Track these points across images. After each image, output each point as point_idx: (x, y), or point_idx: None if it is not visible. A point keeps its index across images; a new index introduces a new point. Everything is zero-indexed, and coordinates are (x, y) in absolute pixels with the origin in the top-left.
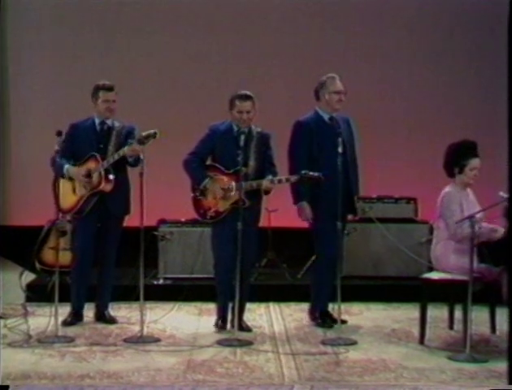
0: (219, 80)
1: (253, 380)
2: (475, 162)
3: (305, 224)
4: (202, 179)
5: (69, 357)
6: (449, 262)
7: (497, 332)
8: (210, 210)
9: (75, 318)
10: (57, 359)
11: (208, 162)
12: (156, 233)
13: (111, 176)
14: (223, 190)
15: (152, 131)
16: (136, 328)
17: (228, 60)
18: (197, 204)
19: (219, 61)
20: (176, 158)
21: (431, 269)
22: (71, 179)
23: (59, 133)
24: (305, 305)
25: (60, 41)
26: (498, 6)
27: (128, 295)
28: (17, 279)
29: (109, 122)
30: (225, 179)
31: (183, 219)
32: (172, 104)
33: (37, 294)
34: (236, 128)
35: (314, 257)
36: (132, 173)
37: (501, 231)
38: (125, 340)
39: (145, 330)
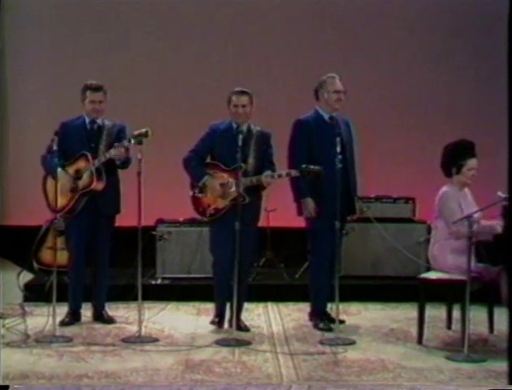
0: (219, 80)
1: (252, 380)
2: (472, 162)
3: (303, 224)
4: (201, 176)
5: (67, 356)
6: (446, 261)
7: (495, 332)
8: (210, 208)
9: (73, 318)
10: (55, 359)
11: (208, 160)
12: (154, 233)
13: (103, 175)
14: (222, 187)
15: (144, 129)
16: (134, 328)
17: (228, 60)
18: (196, 202)
19: (218, 61)
20: (175, 158)
21: (429, 269)
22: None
23: (57, 133)
24: (304, 305)
25: (60, 41)
26: (498, 6)
27: (125, 295)
28: (15, 279)
29: (99, 121)
30: (224, 176)
31: (181, 219)
32: (172, 104)
33: (35, 294)
34: (235, 126)
35: (308, 260)
36: (130, 173)
37: (500, 226)
38: (123, 340)
39: (143, 330)
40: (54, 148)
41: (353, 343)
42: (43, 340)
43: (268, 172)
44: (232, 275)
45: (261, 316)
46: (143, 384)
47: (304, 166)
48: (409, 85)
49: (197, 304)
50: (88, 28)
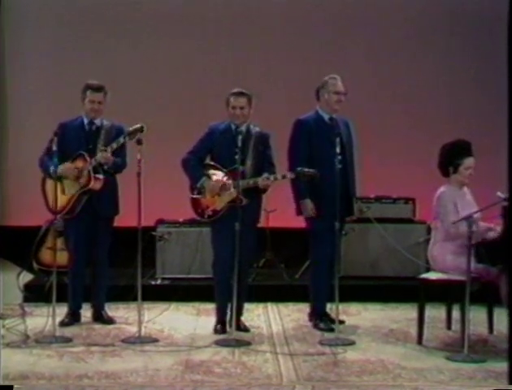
0: (219, 80)
1: (252, 380)
2: (469, 161)
3: (303, 224)
4: (200, 178)
5: (67, 357)
6: (446, 262)
7: (495, 332)
8: (208, 209)
9: (73, 318)
10: (55, 359)
11: (207, 161)
12: (154, 233)
13: (100, 175)
14: (220, 188)
15: (138, 125)
16: (134, 328)
17: (228, 60)
18: (195, 203)
19: (218, 61)
20: (174, 158)
21: (428, 269)
22: (59, 178)
23: (56, 134)
24: (303, 306)
25: (60, 41)
26: (498, 6)
27: (125, 295)
28: (15, 280)
29: (97, 121)
30: (223, 177)
31: (181, 219)
32: (171, 104)
33: (35, 294)
34: (234, 127)
35: (308, 261)
36: (130, 173)
37: (496, 230)
38: (123, 341)
39: (143, 330)
40: (54, 148)
41: (352, 343)
42: (43, 340)
43: (265, 175)
44: (233, 275)
45: (261, 316)
46: (143, 385)
47: (299, 169)
48: (409, 85)
49: (196, 304)
50: (88, 28)
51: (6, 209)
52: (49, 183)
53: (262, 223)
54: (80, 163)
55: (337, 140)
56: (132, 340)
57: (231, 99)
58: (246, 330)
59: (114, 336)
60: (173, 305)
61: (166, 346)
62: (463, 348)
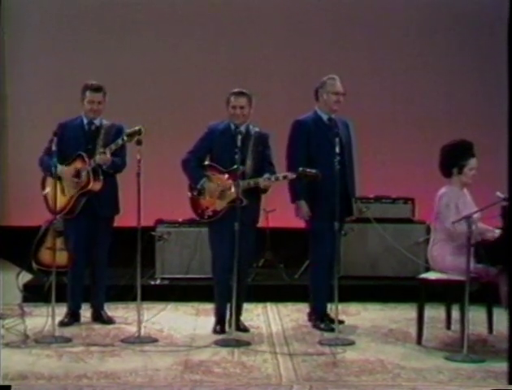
0: (218, 80)
1: (251, 380)
2: (473, 162)
3: (302, 224)
4: (200, 178)
5: (66, 357)
6: (445, 262)
7: (494, 332)
8: (208, 210)
9: (72, 318)
10: (54, 359)
11: (207, 161)
12: (153, 233)
13: (100, 176)
14: (220, 189)
15: (137, 127)
16: (134, 328)
17: (228, 60)
18: (194, 204)
19: (218, 61)
20: (174, 158)
21: (428, 269)
22: (59, 179)
23: (56, 134)
24: (303, 306)
25: (60, 41)
26: (498, 6)
27: (125, 295)
28: (14, 280)
29: (97, 121)
30: (222, 178)
31: (180, 219)
32: (171, 104)
33: (34, 294)
34: (233, 127)
35: (308, 261)
36: (130, 173)
37: (495, 232)
38: (122, 341)
39: (143, 330)
40: (53, 148)
41: (352, 343)
42: (42, 340)
43: (266, 175)
44: (232, 276)
45: (260, 316)
46: (142, 385)
47: (301, 169)
48: (409, 85)
49: (196, 304)
50: (87, 27)
51: (6, 209)
52: (49, 183)
53: (261, 223)
54: (79, 164)
55: (336, 140)
56: (131, 340)
57: (231, 99)
58: (245, 330)
59: (113, 336)
60: (172, 305)
61: (165, 346)
62: (463, 348)
